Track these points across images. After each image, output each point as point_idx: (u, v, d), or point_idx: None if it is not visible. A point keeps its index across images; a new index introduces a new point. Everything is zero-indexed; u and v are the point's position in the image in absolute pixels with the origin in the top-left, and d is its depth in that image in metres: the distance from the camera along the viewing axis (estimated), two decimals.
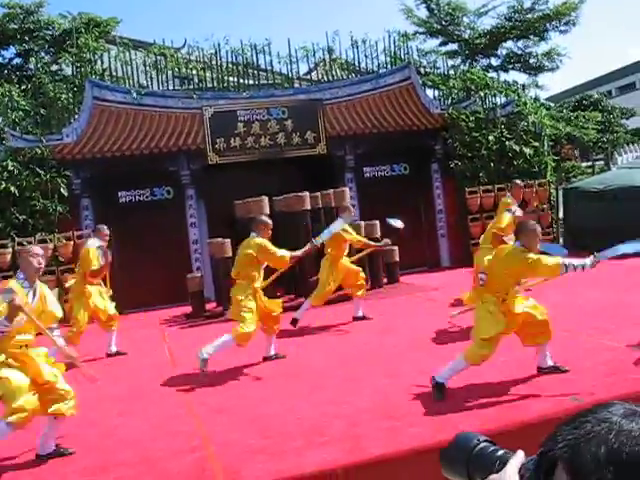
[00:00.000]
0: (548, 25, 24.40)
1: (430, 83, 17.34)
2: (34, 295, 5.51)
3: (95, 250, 9.10)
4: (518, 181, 11.38)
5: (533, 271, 6.04)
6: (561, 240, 16.43)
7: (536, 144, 16.43)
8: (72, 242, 13.11)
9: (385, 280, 13.28)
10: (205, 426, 5.76)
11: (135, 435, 5.70)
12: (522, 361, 6.66)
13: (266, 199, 12.20)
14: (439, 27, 24.70)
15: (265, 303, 7.98)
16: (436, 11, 24.61)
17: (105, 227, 9.64)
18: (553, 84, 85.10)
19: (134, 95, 14.13)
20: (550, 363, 6.33)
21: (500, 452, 1.44)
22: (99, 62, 15.57)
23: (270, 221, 8.25)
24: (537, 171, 16.37)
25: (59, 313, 5.78)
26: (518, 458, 1.38)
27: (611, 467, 1.16)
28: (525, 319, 6.15)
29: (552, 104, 27.65)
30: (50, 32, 20.83)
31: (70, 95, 14.77)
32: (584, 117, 24.14)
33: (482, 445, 1.47)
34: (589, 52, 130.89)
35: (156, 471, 4.81)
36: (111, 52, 15.72)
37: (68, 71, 16.72)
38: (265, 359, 8.10)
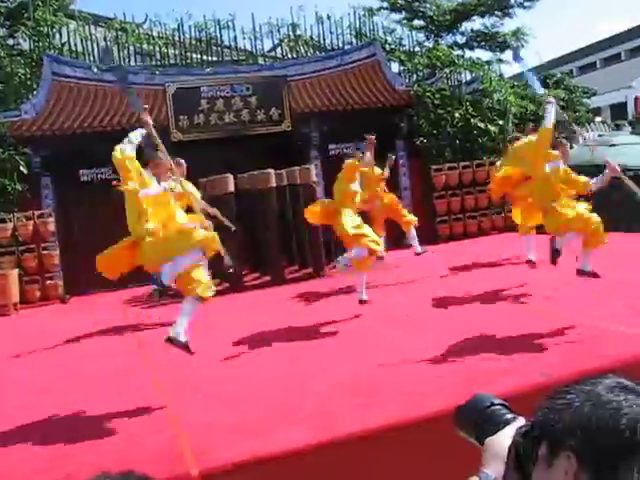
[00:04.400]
0: (512, 1, 24.46)
1: (395, 60, 17.26)
2: None
3: None
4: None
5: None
6: None
7: (501, 122, 16.47)
8: (32, 221, 12.80)
9: None
10: (173, 405, 5.65)
11: (100, 416, 5.57)
12: (492, 335, 6.68)
13: (231, 176, 12.04)
14: (404, 3, 24.56)
15: None
16: None
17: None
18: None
19: (94, 71, 13.82)
20: (588, 269, 7.35)
21: (509, 416, 1.48)
22: (58, 37, 15.20)
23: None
24: (502, 149, 16.43)
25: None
26: (518, 424, 1.42)
27: (581, 437, 1.18)
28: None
29: (516, 83, 27.79)
30: (5, 4, 20.21)
31: (28, 70, 14.41)
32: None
33: (494, 408, 1.51)
34: (557, 29, 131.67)
35: (122, 453, 4.71)
36: (70, 27, 15.35)
37: (25, 45, 16.29)
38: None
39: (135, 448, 4.77)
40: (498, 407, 1.51)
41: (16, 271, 12.19)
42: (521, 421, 1.43)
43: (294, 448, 4.51)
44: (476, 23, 25.23)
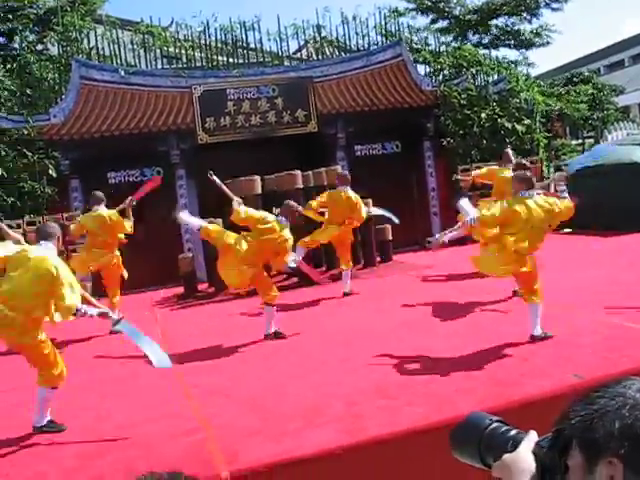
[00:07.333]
0: (540, 1, 24.20)
1: (421, 60, 17.19)
2: None
3: None
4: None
5: None
6: None
7: (528, 121, 16.33)
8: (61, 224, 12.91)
9: (378, 259, 13.20)
10: (201, 408, 5.67)
11: (130, 418, 5.60)
12: (521, 337, 6.61)
13: (258, 178, 12.07)
14: (429, 3, 24.46)
15: None
16: None
17: None
18: (544, 61, 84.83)
19: (122, 74, 13.92)
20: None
21: (513, 432, 1.42)
22: (85, 41, 15.34)
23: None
24: (529, 148, 16.29)
25: None
26: (531, 437, 1.37)
27: (625, 441, 1.14)
28: None
29: (542, 82, 27.57)
30: (34, 10, 20.42)
31: (56, 75, 14.55)
32: (575, 91, 24.07)
33: (494, 425, 1.45)
34: (584, 26, 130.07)
35: (153, 454, 4.72)
36: (98, 31, 15.46)
37: (54, 50, 16.45)
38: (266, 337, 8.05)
39: (166, 449, 4.78)
40: (497, 424, 1.46)
41: None
42: (533, 434, 1.39)
43: (324, 450, 4.50)
44: (501, 21, 25.04)
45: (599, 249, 12.17)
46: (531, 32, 24.79)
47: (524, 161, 9.87)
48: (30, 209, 12.94)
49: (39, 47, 18.20)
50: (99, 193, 9.70)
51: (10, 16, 20.16)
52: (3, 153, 12.84)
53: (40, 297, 5.35)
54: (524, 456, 1.34)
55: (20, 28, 19.51)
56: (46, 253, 5.49)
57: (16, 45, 19.48)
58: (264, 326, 8.12)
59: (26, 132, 13.11)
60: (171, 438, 4.99)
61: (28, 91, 14.37)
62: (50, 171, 13.13)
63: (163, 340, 8.74)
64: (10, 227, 12.24)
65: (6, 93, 14.10)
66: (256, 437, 4.81)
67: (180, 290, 12.36)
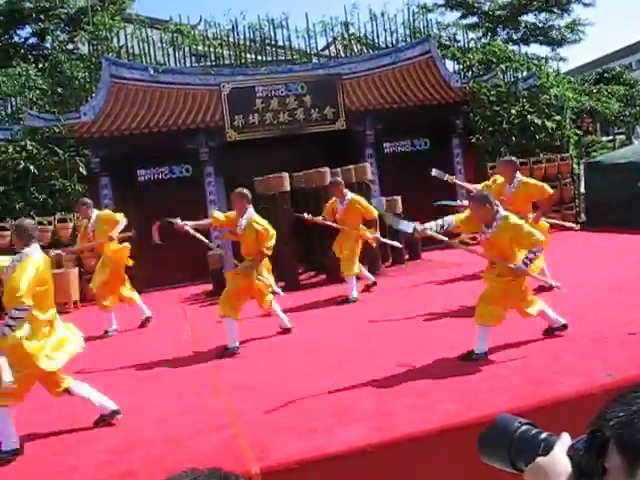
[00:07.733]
0: None
1: (450, 56, 17.08)
2: None
3: None
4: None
5: None
6: (583, 215, 16.18)
7: (558, 118, 16.14)
8: None
9: (407, 257, 13.14)
10: (231, 404, 5.67)
11: (160, 414, 5.63)
12: (551, 335, 6.53)
13: (286, 175, 12.06)
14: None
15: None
16: None
17: None
18: (574, 57, 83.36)
19: (151, 72, 14.00)
20: None
21: (543, 435, 1.39)
22: (115, 40, 15.47)
23: None
24: (559, 145, 16.11)
25: None
26: (565, 440, 1.34)
27: None
28: None
29: (572, 78, 27.23)
30: (65, 10, 20.70)
31: (87, 73, 14.69)
32: (607, 90, 23.73)
33: (524, 428, 1.42)
34: (615, 20, 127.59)
35: (183, 450, 4.74)
36: (127, 30, 15.59)
37: (84, 49, 16.63)
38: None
39: (195, 445, 4.79)
40: (527, 427, 1.42)
41: (76, 269, 12.43)
42: (566, 436, 1.35)
43: (355, 447, 4.48)
44: (531, 17, 24.79)
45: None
46: (565, 27, 24.50)
47: (513, 158, 9.36)
48: (61, 206, 13.07)
49: (70, 46, 18.44)
50: (88, 200, 9.92)
51: (42, 16, 20.46)
52: (35, 151, 12.98)
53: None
54: (559, 459, 1.30)
55: (51, 28, 19.80)
56: (38, 256, 5.42)
57: (48, 45, 19.78)
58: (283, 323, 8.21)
59: (57, 130, 13.25)
60: (201, 434, 5.00)
61: (59, 90, 14.54)
62: (80, 169, 13.25)
63: (192, 336, 8.81)
64: (41, 224, 12.43)
65: (38, 92, 14.28)
66: (286, 434, 4.81)
67: (209, 287, 12.41)
